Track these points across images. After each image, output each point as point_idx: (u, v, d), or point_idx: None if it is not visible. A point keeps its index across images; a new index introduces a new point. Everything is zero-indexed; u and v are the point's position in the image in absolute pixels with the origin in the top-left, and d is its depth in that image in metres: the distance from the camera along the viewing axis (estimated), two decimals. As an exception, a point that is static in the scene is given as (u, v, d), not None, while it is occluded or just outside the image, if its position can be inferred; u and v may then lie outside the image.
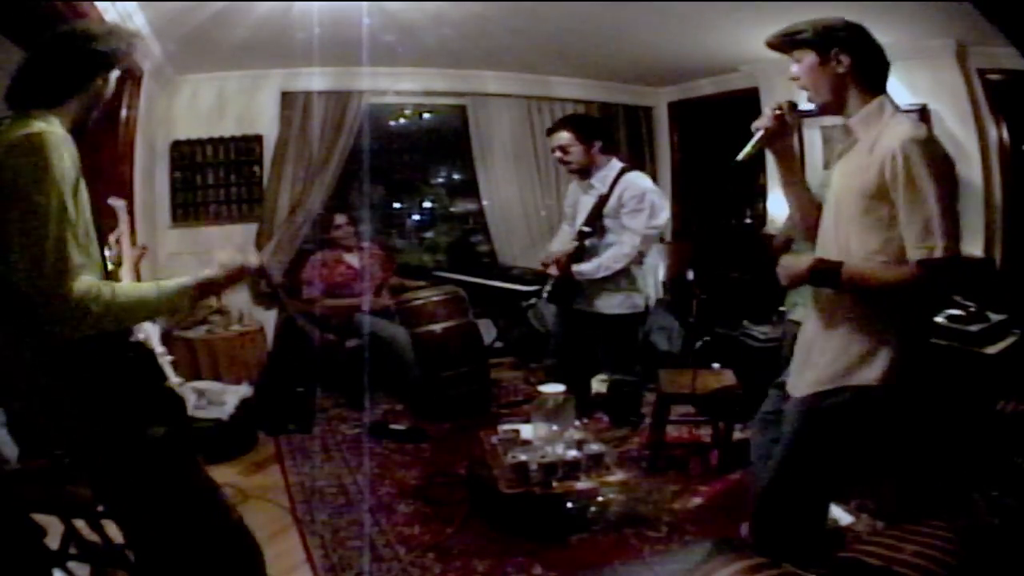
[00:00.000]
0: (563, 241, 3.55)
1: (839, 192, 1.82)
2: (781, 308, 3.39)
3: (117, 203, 2.47)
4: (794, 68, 1.81)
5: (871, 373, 1.72)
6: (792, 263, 1.80)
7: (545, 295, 3.49)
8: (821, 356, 1.82)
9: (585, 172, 3.35)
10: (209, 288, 1.63)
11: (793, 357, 2.00)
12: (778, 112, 1.87)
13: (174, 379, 3.51)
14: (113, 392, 1.53)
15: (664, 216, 3.35)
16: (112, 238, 2.49)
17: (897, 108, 1.76)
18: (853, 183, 1.74)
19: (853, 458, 1.89)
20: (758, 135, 1.89)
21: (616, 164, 3.38)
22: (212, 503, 1.71)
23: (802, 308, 2.94)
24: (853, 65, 1.72)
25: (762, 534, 1.99)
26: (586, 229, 3.31)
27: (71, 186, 1.45)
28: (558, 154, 3.34)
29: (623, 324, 3.36)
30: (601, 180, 3.32)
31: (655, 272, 3.55)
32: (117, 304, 1.45)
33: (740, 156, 1.92)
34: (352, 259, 4.56)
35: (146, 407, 1.59)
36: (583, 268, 3.26)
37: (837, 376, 1.77)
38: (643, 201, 3.24)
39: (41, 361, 1.49)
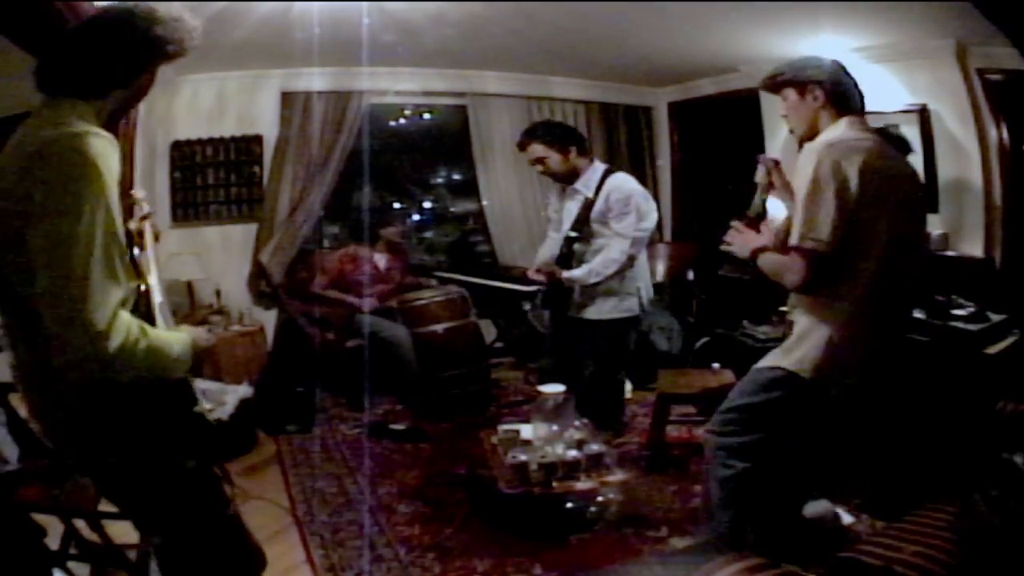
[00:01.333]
0: (550, 248, 3.48)
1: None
2: (782, 308, 3.39)
3: (140, 193, 2.28)
4: (782, 106, 2.08)
5: (792, 357, 1.95)
6: (747, 237, 2.09)
7: (538, 300, 3.43)
8: (788, 342, 2.05)
9: (569, 178, 3.29)
10: (198, 352, 1.48)
11: None
12: (768, 171, 2.21)
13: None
14: (148, 423, 1.43)
15: (653, 218, 3.30)
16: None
17: (856, 122, 1.96)
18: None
19: (792, 438, 2.05)
20: (760, 190, 2.22)
21: (599, 166, 3.32)
22: (229, 524, 1.70)
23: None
24: (827, 96, 1.97)
25: (720, 513, 2.12)
26: (573, 234, 3.25)
27: (115, 205, 1.26)
28: (538, 167, 3.30)
29: (615, 329, 3.31)
30: (585, 184, 3.26)
31: (646, 273, 3.48)
32: (152, 353, 1.30)
33: (751, 211, 2.21)
34: (380, 260, 4.57)
35: (180, 437, 1.51)
36: (574, 274, 3.20)
37: (777, 354, 2.02)
38: (629, 204, 3.17)
39: (71, 389, 1.34)
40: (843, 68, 2.00)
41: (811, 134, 2.00)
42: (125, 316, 1.26)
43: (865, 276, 1.86)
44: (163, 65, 1.49)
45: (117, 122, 1.51)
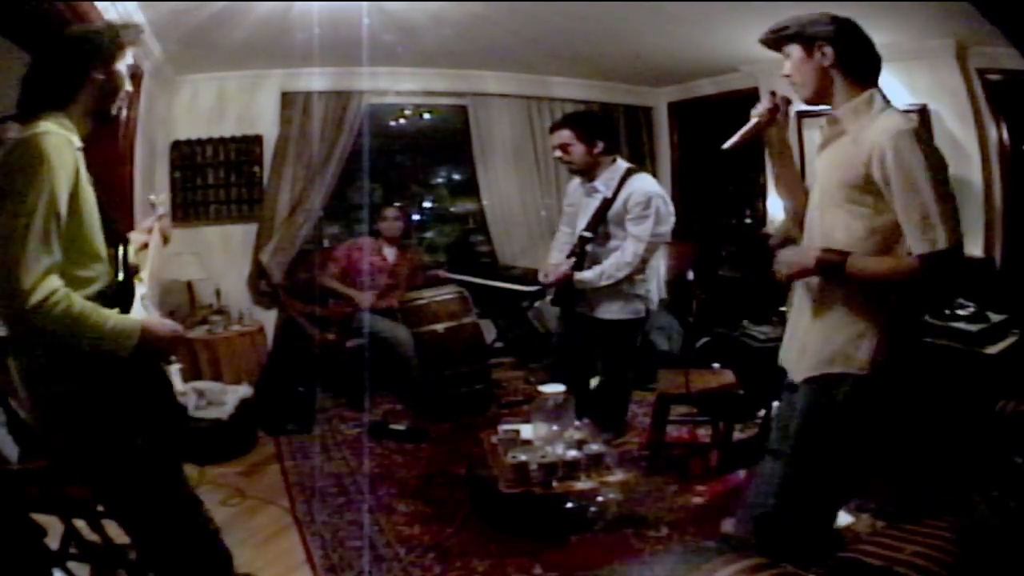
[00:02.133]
0: (561, 246, 3.41)
1: (824, 181, 1.85)
2: (781, 308, 3.39)
3: (159, 197, 2.32)
4: (786, 64, 1.85)
5: (856, 360, 1.77)
6: (794, 256, 1.83)
7: (549, 297, 3.38)
8: (813, 343, 1.86)
9: (587, 173, 3.21)
10: (149, 339, 1.61)
11: (784, 345, 2.04)
12: (773, 103, 1.93)
13: (180, 387, 3.50)
14: (103, 399, 1.58)
15: (671, 222, 3.19)
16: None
17: (888, 103, 1.77)
18: (836, 173, 1.78)
19: (850, 447, 1.90)
20: (751, 123, 1.95)
21: (622, 165, 3.23)
22: (192, 511, 1.80)
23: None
24: (837, 57, 1.75)
25: (768, 530, 1.99)
26: (587, 235, 3.19)
27: (67, 189, 1.48)
28: (558, 153, 3.20)
29: (623, 329, 3.26)
30: (605, 183, 3.18)
31: (657, 275, 3.42)
32: (72, 317, 1.48)
33: (727, 144, 1.97)
34: (389, 252, 4.57)
35: (136, 416, 1.64)
36: (585, 276, 3.14)
37: (824, 362, 1.82)
38: (649, 207, 3.08)
39: (39, 364, 1.54)
40: (857, 27, 1.78)
41: (818, 98, 1.82)
42: (53, 282, 1.47)
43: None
44: (110, 63, 1.68)
45: (106, 115, 1.71)
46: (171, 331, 1.71)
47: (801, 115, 4.56)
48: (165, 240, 2.08)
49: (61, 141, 1.51)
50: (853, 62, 1.77)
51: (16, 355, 1.60)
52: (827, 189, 1.82)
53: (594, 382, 2.87)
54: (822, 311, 1.85)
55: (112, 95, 1.70)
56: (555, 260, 3.35)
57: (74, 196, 1.52)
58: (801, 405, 1.90)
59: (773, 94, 1.96)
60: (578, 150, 3.15)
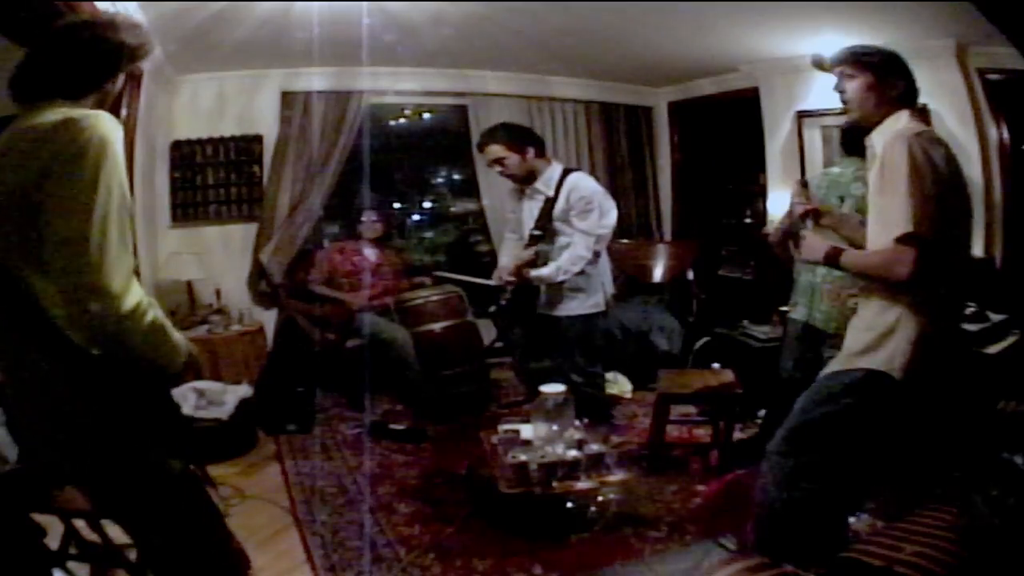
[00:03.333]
0: (509, 251, 3.51)
1: (870, 200, 1.93)
2: (782, 308, 3.40)
3: None
4: (844, 83, 1.93)
5: (878, 357, 1.82)
6: (814, 242, 1.99)
7: (503, 303, 3.37)
8: (849, 339, 1.95)
9: (528, 179, 3.31)
10: (190, 359, 1.51)
11: None
12: (803, 205, 2.11)
13: (177, 391, 3.50)
14: (134, 417, 1.44)
15: (613, 215, 3.31)
16: None
17: (915, 115, 1.89)
18: (871, 187, 1.88)
19: (866, 446, 1.93)
20: (808, 222, 2.10)
21: (557, 166, 3.34)
22: (215, 528, 1.71)
23: (803, 307, 2.94)
24: (905, 89, 1.89)
25: (775, 533, 2.00)
26: (537, 233, 3.27)
27: (125, 179, 1.36)
28: (496, 168, 3.31)
29: (586, 324, 3.32)
30: (545, 183, 3.27)
31: (608, 270, 3.50)
32: (157, 328, 1.34)
33: (767, 232, 2.17)
34: (370, 252, 4.58)
35: (165, 436, 1.53)
36: (542, 273, 3.21)
37: (852, 356, 1.89)
38: (592, 202, 3.20)
39: (60, 375, 1.37)
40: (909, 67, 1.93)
41: (871, 121, 1.92)
42: (138, 287, 1.32)
43: (953, 267, 1.81)
44: (129, 67, 1.58)
45: None
46: (192, 352, 1.58)
47: (801, 115, 4.57)
48: None
49: (114, 123, 1.37)
50: (911, 95, 1.91)
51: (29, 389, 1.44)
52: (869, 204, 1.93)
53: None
54: (862, 311, 1.96)
55: (106, 103, 1.59)
56: (505, 263, 3.41)
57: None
58: (823, 395, 1.93)
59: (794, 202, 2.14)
60: (513, 160, 3.25)
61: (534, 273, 3.22)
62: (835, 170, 2.94)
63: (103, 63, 1.50)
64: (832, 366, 1.96)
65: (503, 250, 3.63)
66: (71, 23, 1.52)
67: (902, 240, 1.71)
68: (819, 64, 2.02)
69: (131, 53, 1.54)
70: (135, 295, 1.29)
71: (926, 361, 1.80)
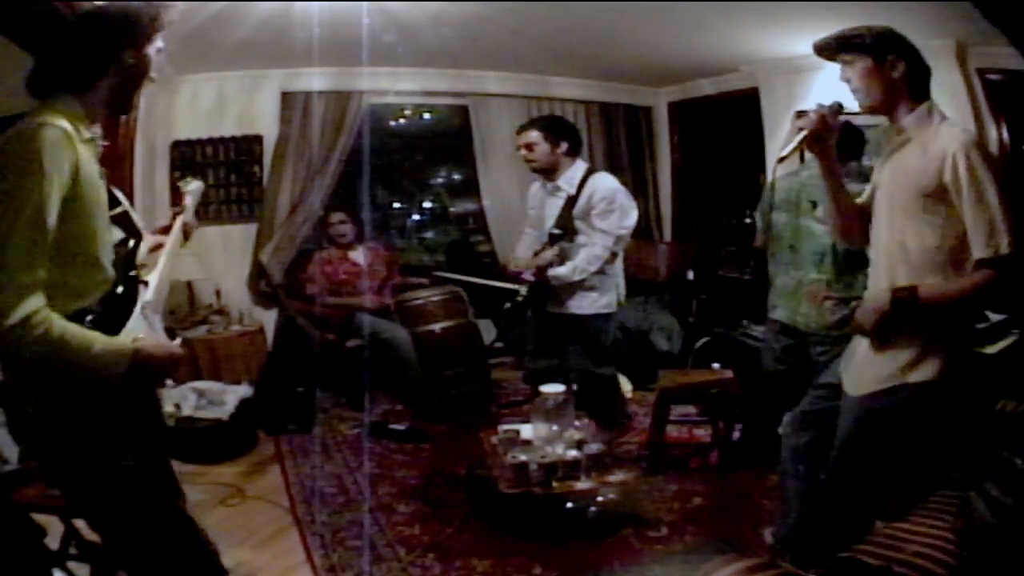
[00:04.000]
0: (528, 245, 3.53)
1: (893, 191, 1.87)
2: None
3: (189, 186, 2.16)
4: (847, 71, 1.87)
5: (928, 371, 1.78)
6: (870, 305, 1.84)
7: (520, 299, 3.39)
8: (880, 355, 1.86)
9: (549, 172, 3.35)
10: (143, 363, 1.45)
11: (845, 356, 2.05)
12: (823, 114, 1.91)
13: (175, 390, 3.50)
14: (93, 415, 1.44)
15: (634, 216, 3.36)
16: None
17: (943, 114, 1.83)
18: (909, 183, 1.80)
19: (908, 458, 1.91)
20: (801, 135, 1.93)
21: (581, 165, 3.37)
22: (186, 530, 1.68)
23: (782, 308, 2.93)
24: (907, 71, 1.81)
25: (806, 538, 2.00)
26: (557, 231, 3.30)
27: (58, 193, 1.33)
28: (523, 152, 3.36)
29: (598, 323, 3.35)
30: (568, 181, 3.32)
31: (622, 271, 3.54)
32: (51, 342, 1.32)
33: (782, 154, 1.95)
34: (356, 256, 4.57)
35: (126, 435, 1.51)
36: (559, 272, 3.24)
37: (895, 375, 1.82)
38: (614, 202, 3.24)
39: (21, 378, 1.42)
40: (913, 44, 1.85)
41: (878, 108, 1.86)
42: (33, 302, 1.31)
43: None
44: (144, 46, 1.55)
45: (121, 108, 1.58)
46: (168, 354, 1.54)
47: (799, 114, 4.56)
48: (187, 236, 1.93)
49: (58, 136, 1.35)
50: (918, 76, 1.83)
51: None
52: (899, 199, 1.84)
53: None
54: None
55: (137, 82, 1.56)
56: (523, 256, 3.45)
57: (72, 198, 1.37)
58: (852, 418, 1.91)
59: (822, 105, 1.95)
60: (543, 149, 3.30)
61: (551, 272, 3.24)
62: (804, 173, 2.87)
63: (95, 52, 1.48)
64: (866, 385, 1.88)
65: (520, 244, 3.66)
66: (71, 17, 1.53)
67: (1004, 255, 1.66)
68: (820, 51, 1.95)
69: (126, 37, 1.51)
70: (20, 313, 1.29)
71: (962, 371, 1.81)
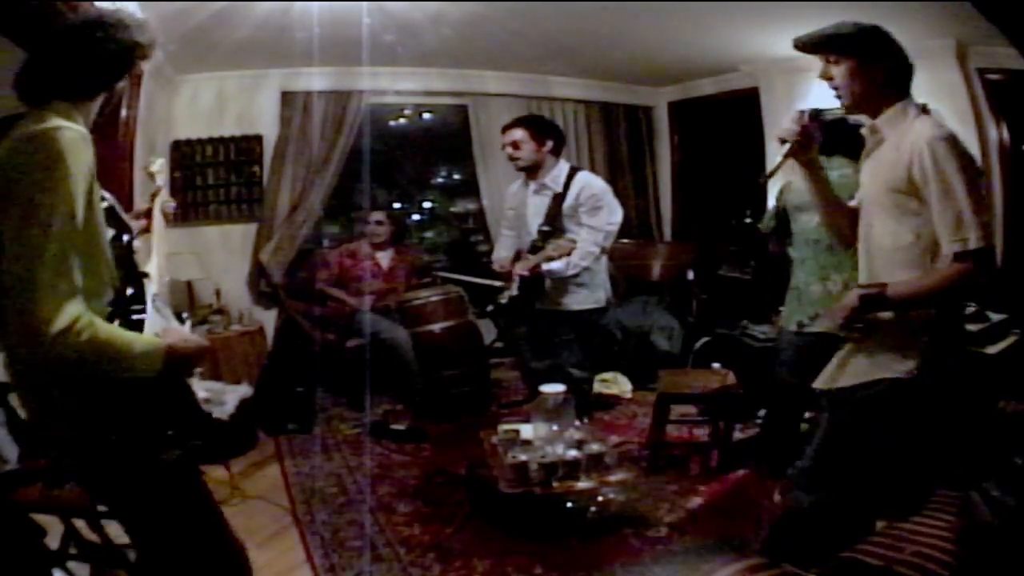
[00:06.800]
0: (507, 246, 3.57)
1: (870, 190, 1.87)
2: (781, 308, 3.39)
3: (155, 166, 2.11)
4: (830, 69, 1.84)
5: (904, 366, 1.75)
6: (838, 308, 1.84)
7: (509, 298, 3.39)
8: (857, 351, 1.86)
9: (534, 170, 3.37)
10: (175, 358, 1.45)
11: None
12: (803, 123, 1.88)
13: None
14: (128, 407, 1.43)
15: (620, 214, 3.39)
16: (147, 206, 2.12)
17: (920, 109, 1.82)
18: (881, 179, 1.80)
19: (888, 455, 1.90)
20: (785, 148, 1.90)
21: (565, 164, 3.40)
22: (214, 524, 1.68)
23: (793, 311, 2.92)
24: (891, 71, 1.79)
25: (793, 544, 1.99)
26: (547, 229, 3.32)
27: (84, 193, 1.33)
28: (509, 150, 3.38)
29: (589, 319, 3.37)
30: (554, 180, 3.34)
31: (606, 268, 3.56)
32: (98, 345, 1.31)
33: (768, 173, 1.95)
34: (382, 258, 4.60)
35: (163, 426, 1.51)
36: (553, 267, 3.25)
37: (869, 370, 1.81)
38: (601, 200, 3.28)
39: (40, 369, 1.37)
40: (895, 40, 1.82)
41: (858, 107, 1.84)
42: (76, 306, 1.30)
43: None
44: (135, 69, 1.54)
45: (98, 123, 1.55)
46: (196, 347, 1.55)
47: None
48: (167, 220, 1.90)
49: (77, 137, 1.34)
50: (898, 76, 1.81)
51: (23, 391, 1.45)
52: (874, 196, 1.84)
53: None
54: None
55: (117, 100, 1.56)
56: (505, 256, 3.49)
57: (89, 201, 1.36)
58: (829, 413, 1.91)
59: (801, 113, 1.91)
60: (528, 147, 3.33)
61: (545, 267, 3.25)
62: (833, 173, 2.89)
63: (116, 62, 1.47)
64: (846, 379, 1.87)
65: (500, 246, 3.70)
66: (81, 21, 1.49)
67: (971, 252, 1.64)
68: (803, 47, 1.89)
69: (142, 51, 1.51)
70: (66, 318, 1.27)
71: (942, 367, 1.79)
